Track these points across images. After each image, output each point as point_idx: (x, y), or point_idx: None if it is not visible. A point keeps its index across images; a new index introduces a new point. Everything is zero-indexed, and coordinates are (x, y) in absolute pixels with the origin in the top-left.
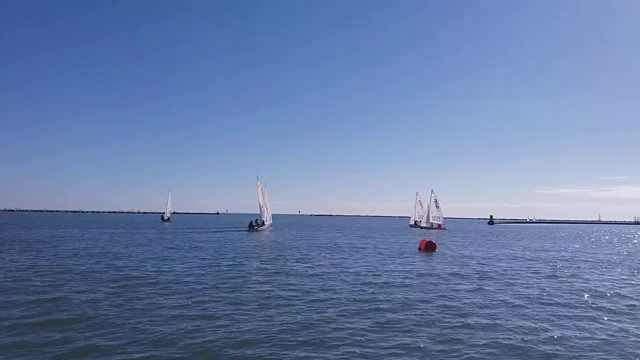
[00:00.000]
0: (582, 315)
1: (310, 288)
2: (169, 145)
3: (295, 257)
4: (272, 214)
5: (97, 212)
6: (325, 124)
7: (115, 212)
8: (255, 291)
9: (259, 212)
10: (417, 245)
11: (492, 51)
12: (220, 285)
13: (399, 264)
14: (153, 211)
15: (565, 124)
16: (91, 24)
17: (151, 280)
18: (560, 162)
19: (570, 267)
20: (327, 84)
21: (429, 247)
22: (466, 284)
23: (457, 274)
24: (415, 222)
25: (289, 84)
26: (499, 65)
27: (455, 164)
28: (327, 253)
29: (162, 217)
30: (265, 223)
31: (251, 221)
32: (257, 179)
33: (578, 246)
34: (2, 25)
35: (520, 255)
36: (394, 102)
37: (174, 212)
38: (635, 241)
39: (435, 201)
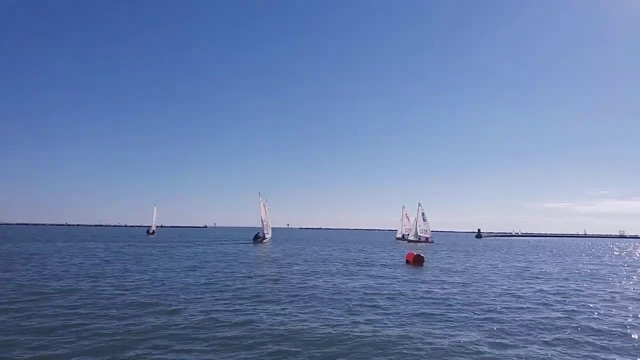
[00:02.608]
0: None
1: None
2: (156, 158)
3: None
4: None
5: (84, 225)
6: (314, 137)
7: (102, 226)
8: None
9: (259, 226)
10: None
11: (477, 67)
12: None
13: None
14: (140, 224)
15: (551, 137)
16: (85, 38)
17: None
18: (546, 176)
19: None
20: (315, 98)
21: (416, 261)
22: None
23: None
24: (403, 235)
25: (278, 98)
26: (485, 80)
27: (441, 177)
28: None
29: (148, 231)
30: (266, 236)
31: (256, 234)
32: (260, 194)
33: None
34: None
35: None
36: (381, 117)
37: (161, 226)
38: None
39: (423, 214)
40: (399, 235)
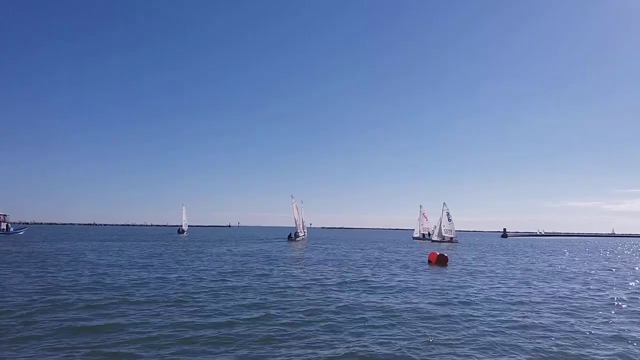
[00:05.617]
0: None
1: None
2: (179, 158)
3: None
4: (288, 227)
5: (112, 224)
6: (332, 139)
7: (129, 225)
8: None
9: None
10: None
11: (503, 66)
12: None
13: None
14: (165, 224)
15: (576, 136)
16: (107, 39)
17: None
18: (572, 175)
19: None
20: (336, 99)
21: (440, 261)
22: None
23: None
24: (422, 235)
25: (297, 101)
26: (511, 79)
27: (464, 176)
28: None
29: (178, 230)
30: (299, 235)
31: (289, 234)
32: (292, 197)
33: None
34: (16, 42)
35: None
36: (403, 117)
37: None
38: None
39: (448, 214)
40: (416, 235)
